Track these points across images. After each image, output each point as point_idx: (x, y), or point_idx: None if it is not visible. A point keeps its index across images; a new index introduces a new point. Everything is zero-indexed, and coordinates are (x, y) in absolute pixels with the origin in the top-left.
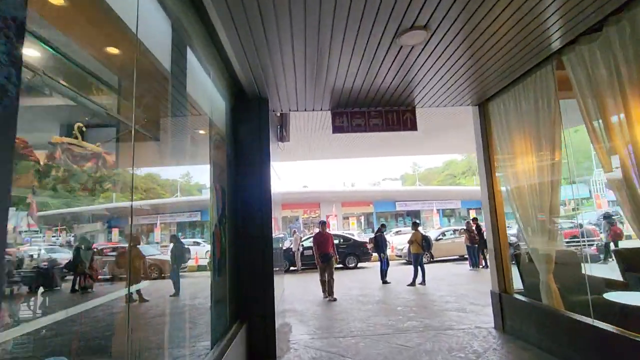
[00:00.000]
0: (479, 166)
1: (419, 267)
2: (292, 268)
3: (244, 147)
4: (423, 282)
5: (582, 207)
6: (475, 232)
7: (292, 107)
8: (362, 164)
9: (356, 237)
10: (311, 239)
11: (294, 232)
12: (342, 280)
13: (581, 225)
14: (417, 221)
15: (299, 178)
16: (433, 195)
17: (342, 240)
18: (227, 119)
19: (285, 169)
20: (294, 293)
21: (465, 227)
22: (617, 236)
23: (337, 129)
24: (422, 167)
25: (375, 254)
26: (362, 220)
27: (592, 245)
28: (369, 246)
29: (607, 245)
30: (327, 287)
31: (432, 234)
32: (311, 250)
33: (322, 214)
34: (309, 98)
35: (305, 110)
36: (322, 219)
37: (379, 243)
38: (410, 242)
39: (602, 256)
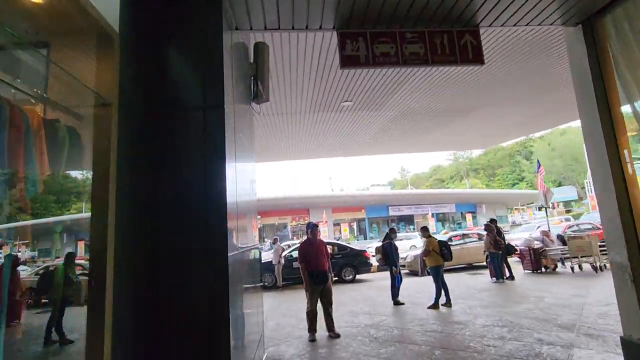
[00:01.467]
0: (583, 120)
1: (441, 284)
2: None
3: (166, 96)
4: (448, 303)
5: None
6: (498, 235)
7: (270, 20)
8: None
9: (353, 245)
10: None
11: (275, 240)
12: (341, 299)
13: None
14: (426, 226)
15: (285, 183)
16: (427, 199)
17: (337, 249)
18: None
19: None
20: (280, 323)
21: (485, 230)
22: None
23: (347, 61)
24: (410, 172)
25: (377, 265)
26: (355, 227)
27: None
28: (376, 257)
29: None
30: (326, 319)
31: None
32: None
33: (312, 220)
34: (299, 3)
35: (293, 28)
36: (311, 222)
37: (389, 253)
38: (426, 252)
39: None
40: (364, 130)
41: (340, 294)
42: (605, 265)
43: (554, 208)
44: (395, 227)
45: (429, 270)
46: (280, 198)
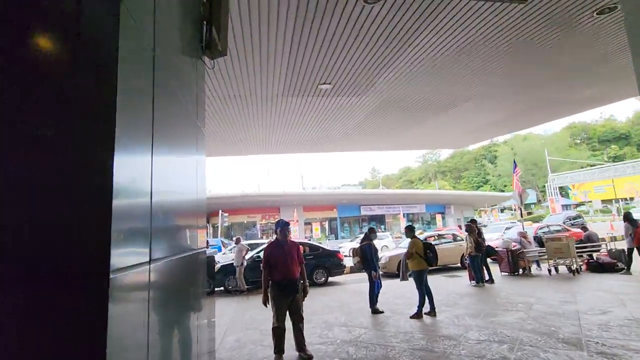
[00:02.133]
0: None
1: (424, 291)
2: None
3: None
4: (432, 312)
5: None
6: (479, 236)
7: None
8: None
9: (325, 245)
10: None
11: (238, 240)
12: (314, 306)
13: None
14: (412, 224)
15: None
16: (398, 199)
17: (308, 250)
18: None
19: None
20: (240, 339)
21: (466, 231)
22: None
23: None
24: (381, 173)
25: (350, 266)
26: (326, 226)
27: None
28: (353, 260)
29: None
30: (296, 336)
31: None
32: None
33: (283, 218)
34: None
35: None
36: (281, 219)
37: (368, 256)
38: (409, 255)
39: None
40: (343, 121)
41: (312, 300)
42: (580, 268)
43: (516, 210)
44: (374, 227)
45: (410, 275)
46: (250, 195)
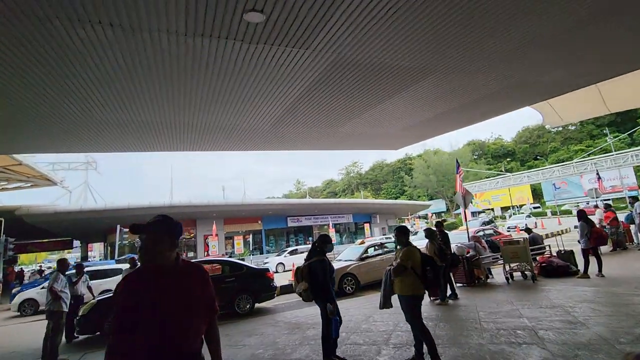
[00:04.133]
0: None
1: (419, 330)
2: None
3: None
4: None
5: None
6: (443, 243)
7: None
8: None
9: (250, 263)
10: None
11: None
12: None
13: None
14: (404, 225)
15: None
16: (324, 209)
17: (228, 270)
18: None
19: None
20: None
21: (427, 237)
22: None
23: None
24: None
25: (281, 286)
26: (250, 240)
27: None
28: (296, 286)
29: None
30: None
31: (350, 251)
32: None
33: (199, 234)
34: None
35: None
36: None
37: (319, 278)
38: (399, 270)
39: None
40: (273, 100)
41: (232, 348)
42: (535, 274)
43: (428, 219)
44: (328, 235)
45: (400, 301)
46: (157, 207)
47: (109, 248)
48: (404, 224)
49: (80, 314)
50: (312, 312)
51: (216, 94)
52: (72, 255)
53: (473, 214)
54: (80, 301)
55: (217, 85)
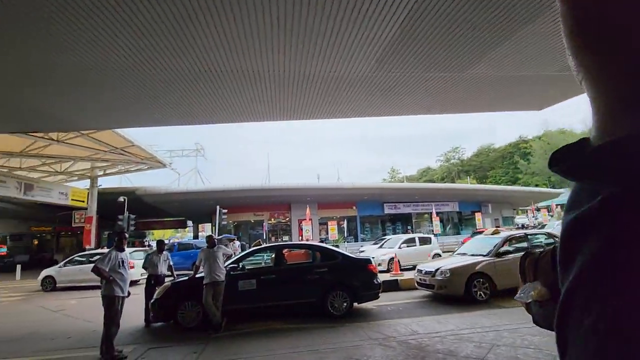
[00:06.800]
0: None
1: None
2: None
3: None
4: None
5: None
6: None
7: None
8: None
9: (344, 250)
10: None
11: (219, 243)
12: None
13: None
14: None
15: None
16: (429, 195)
17: (319, 257)
18: None
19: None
20: None
21: None
22: None
23: None
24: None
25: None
26: (344, 226)
27: None
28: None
29: None
30: None
31: (478, 244)
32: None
33: (293, 218)
34: None
35: None
36: None
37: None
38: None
39: None
40: (361, 50)
41: None
42: None
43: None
44: None
45: None
46: (255, 189)
47: (214, 228)
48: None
49: (154, 296)
50: (438, 327)
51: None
52: (189, 235)
53: None
54: (160, 281)
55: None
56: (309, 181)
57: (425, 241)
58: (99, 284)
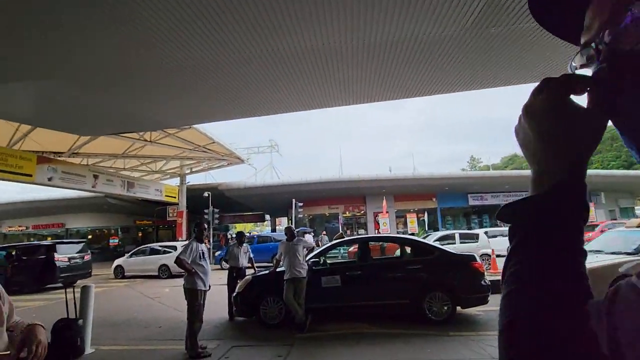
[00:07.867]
0: None
1: None
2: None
3: None
4: None
5: None
6: None
7: None
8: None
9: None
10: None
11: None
12: None
13: None
14: None
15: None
16: (522, 185)
17: (410, 252)
18: None
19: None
20: None
21: None
22: None
23: None
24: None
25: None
26: (424, 219)
27: None
28: None
29: None
30: None
31: (617, 239)
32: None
33: (369, 211)
34: None
35: None
36: None
37: None
38: None
39: None
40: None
41: None
42: None
43: None
44: None
45: None
46: (328, 181)
47: (290, 222)
48: None
49: (236, 290)
50: None
51: None
52: (267, 229)
53: None
54: (242, 274)
55: None
56: (384, 173)
57: (470, 238)
58: (156, 273)
